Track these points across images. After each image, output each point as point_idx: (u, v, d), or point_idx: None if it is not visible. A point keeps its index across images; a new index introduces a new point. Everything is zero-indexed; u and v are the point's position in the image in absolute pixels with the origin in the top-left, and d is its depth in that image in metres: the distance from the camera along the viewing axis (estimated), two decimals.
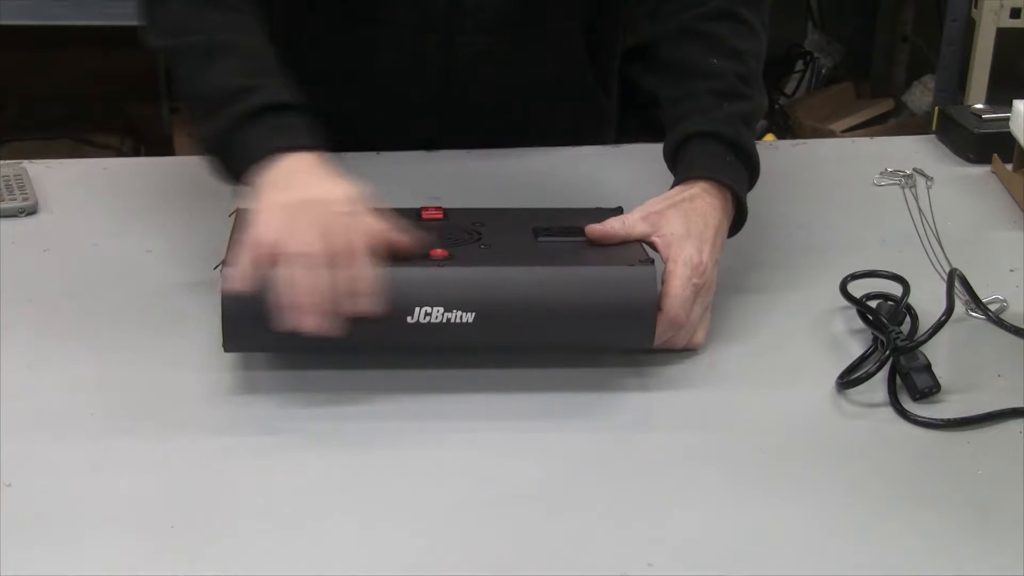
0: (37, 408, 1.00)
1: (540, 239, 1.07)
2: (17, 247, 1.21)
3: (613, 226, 1.07)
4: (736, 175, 1.13)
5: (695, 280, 1.05)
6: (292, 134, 1.05)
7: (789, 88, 3.13)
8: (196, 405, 1.01)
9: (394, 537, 0.87)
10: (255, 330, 0.99)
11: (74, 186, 1.33)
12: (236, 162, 1.05)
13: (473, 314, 0.99)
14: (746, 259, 1.20)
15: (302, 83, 1.23)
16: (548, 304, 1.00)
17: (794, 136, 2.87)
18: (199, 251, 1.16)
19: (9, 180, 1.30)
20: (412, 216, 1.11)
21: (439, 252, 1.02)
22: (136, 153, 2.79)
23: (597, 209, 1.13)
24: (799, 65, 3.13)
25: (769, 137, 2.78)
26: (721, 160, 1.13)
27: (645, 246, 1.06)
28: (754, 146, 1.15)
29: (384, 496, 0.91)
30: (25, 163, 1.36)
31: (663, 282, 1.04)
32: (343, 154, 1.09)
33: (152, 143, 2.85)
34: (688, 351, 1.07)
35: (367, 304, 0.97)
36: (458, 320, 0.99)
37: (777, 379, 1.05)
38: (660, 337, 1.04)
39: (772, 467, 0.95)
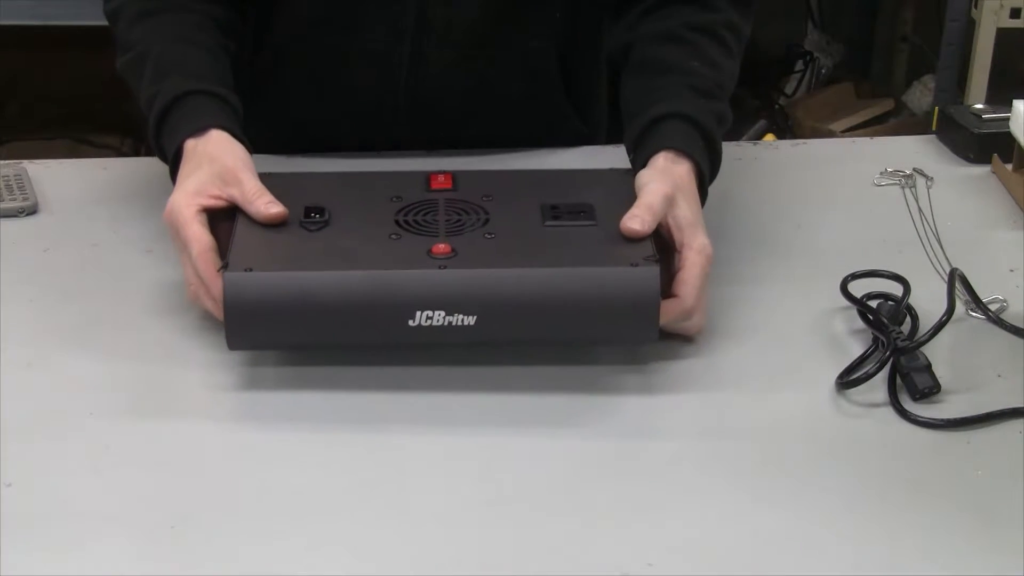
0: (37, 408, 1.00)
1: (547, 223, 1.06)
2: (17, 247, 1.21)
3: (645, 220, 1.04)
4: (706, 167, 1.13)
5: (708, 263, 1.05)
6: (184, 125, 1.10)
7: (789, 88, 3.13)
8: (196, 405, 1.01)
9: (394, 537, 0.87)
10: (258, 330, 1.00)
11: (74, 186, 1.32)
12: (168, 161, 1.13)
13: (475, 317, 0.99)
14: (746, 259, 1.20)
15: (272, 90, 1.25)
16: (549, 306, 1.00)
17: (794, 136, 2.87)
18: None
19: (9, 180, 1.30)
20: (420, 183, 1.11)
21: (442, 248, 1.02)
22: (136, 153, 2.79)
23: (609, 170, 1.12)
24: (799, 65, 3.13)
25: (769, 137, 2.78)
26: (697, 146, 1.13)
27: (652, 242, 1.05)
28: (721, 149, 1.15)
29: (384, 496, 0.91)
30: (25, 163, 1.35)
31: (679, 268, 1.04)
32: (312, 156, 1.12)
33: None
34: (686, 341, 1.06)
35: (211, 307, 1.03)
36: (460, 323, 0.99)
37: (777, 379, 1.05)
38: (670, 325, 1.04)
39: (772, 467, 0.95)
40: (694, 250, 1.04)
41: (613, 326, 1.01)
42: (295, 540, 0.87)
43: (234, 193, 1.06)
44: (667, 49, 1.20)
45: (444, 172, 1.13)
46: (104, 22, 1.25)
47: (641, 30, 1.23)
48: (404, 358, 1.05)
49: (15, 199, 1.27)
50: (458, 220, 1.07)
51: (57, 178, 1.34)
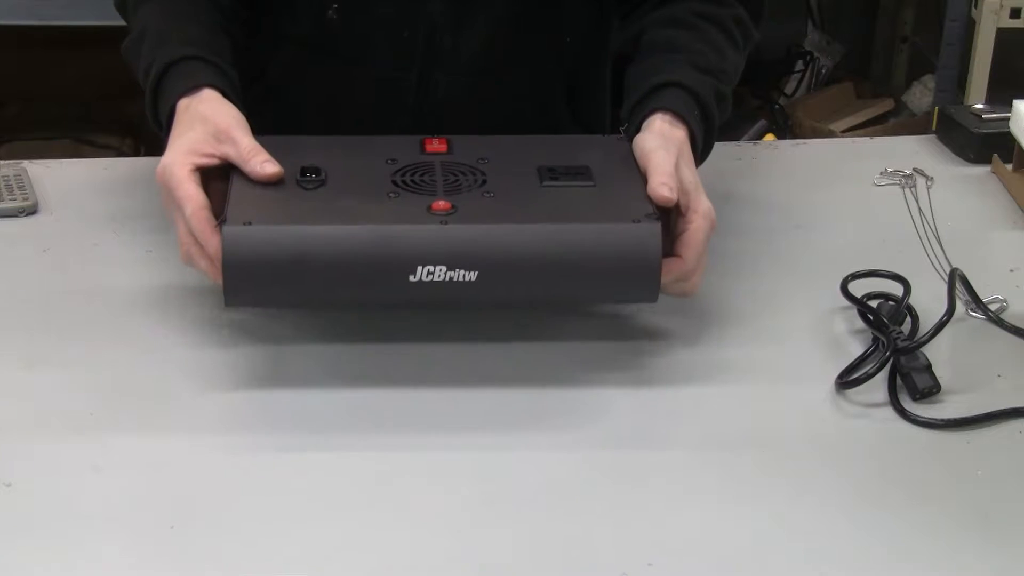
0: (37, 408, 1.00)
1: (545, 183, 1.06)
2: (17, 247, 1.21)
3: (673, 188, 1.04)
4: (700, 137, 1.13)
5: (712, 228, 1.05)
6: (179, 85, 1.09)
7: (789, 88, 3.13)
8: (196, 405, 1.01)
9: (394, 538, 0.87)
10: (257, 286, 0.99)
11: (74, 186, 1.32)
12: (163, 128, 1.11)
13: (476, 272, 0.98)
14: (746, 259, 1.20)
15: (278, 110, 1.24)
16: (551, 262, 0.99)
17: (794, 136, 2.87)
18: None
19: (9, 180, 1.30)
20: (414, 146, 1.10)
21: (442, 205, 1.01)
22: (136, 153, 2.78)
23: (603, 136, 1.12)
24: (799, 65, 3.13)
25: (769, 137, 2.78)
26: (693, 114, 1.12)
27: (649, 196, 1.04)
28: (715, 127, 1.15)
29: (383, 497, 0.91)
30: (25, 163, 1.35)
31: (683, 231, 1.04)
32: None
33: (152, 143, 2.84)
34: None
35: (206, 267, 1.02)
36: (461, 279, 0.98)
37: (777, 379, 1.05)
38: (669, 286, 1.03)
39: (772, 467, 0.95)
40: (699, 214, 1.04)
41: (614, 283, 1.00)
42: (295, 540, 0.87)
43: (228, 151, 1.05)
44: (674, 32, 1.20)
45: (439, 136, 1.12)
46: (105, 22, 1.26)
47: (651, 17, 1.23)
48: (403, 361, 1.05)
49: (15, 199, 1.27)
50: (455, 180, 1.05)
51: (57, 178, 1.34)
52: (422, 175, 1.06)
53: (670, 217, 1.05)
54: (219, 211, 1.01)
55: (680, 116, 1.11)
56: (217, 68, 1.12)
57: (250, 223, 0.98)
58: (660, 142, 1.08)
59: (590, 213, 1.02)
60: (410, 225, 0.99)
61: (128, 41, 1.18)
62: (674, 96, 1.13)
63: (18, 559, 0.84)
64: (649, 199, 1.03)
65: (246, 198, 1.02)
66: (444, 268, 0.97)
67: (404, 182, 1.05)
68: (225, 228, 0.98)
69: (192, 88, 1.09)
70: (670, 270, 1.03)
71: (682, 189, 1.05)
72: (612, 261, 0.99)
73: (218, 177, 1.05)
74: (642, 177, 1.06)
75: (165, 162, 1.04)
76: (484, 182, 1.05)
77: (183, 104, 1.08)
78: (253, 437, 0.98)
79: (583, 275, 1.00)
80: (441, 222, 0.99)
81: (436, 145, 1.11)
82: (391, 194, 1.03)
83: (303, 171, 1.05)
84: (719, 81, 1.17)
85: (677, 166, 1.06)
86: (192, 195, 1.02)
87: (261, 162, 1.04)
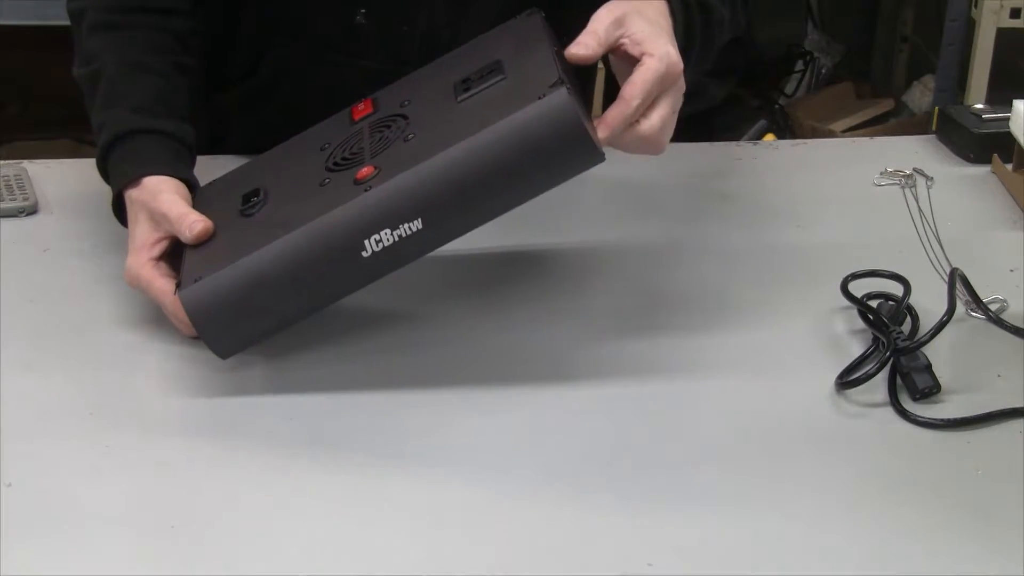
0: (37, 408, 1.00)
1: (459, 99, 1.03)
2: (17, 247, 1.21)
3: (589, 44, 1.01)
4: (680, 13, 1.09)
5: (670, 73, 1.00)
6: (123, 169, 1.12)
7: (789, 88, 3.13)
8: (196, 405, 1.00)
9: (394, 537, 0.87)
10: (233, 329, 1.00)
11: (74, 186, 1.32)
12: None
13: (419, 219, 0.96)
14: (746, 258, 1.20)
15: (270, 105, 1.23)
16: (481, 176, 0.96)
17: (794, 136, 2.87)
18: None
19: (9, 180, 1.30)
20: (345, 121, 1.10)
21: (365, 171, 0.99)
22: None
23: (512, 20, 1.09)
24: (799, 65, 3.13)
25: (769, 137, 2.78)
26: None
27: (555, 60, 1.00)
28: (696, 21, 1.11)
29: (383, 495, 0.91)
30: (25, 163, 1.36)
31: (631, 73, 1.00)
32: None
33: None
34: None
35: (186, 329, 1.04)
36: (409, 232, 0.96)
37: (777, 379, 1.05)
38: (623, 141, 1.00)
39: (772, 467, 0.95)
40: (654, 57, 1.00)
41: (549, 164, 0.97)
42: (295, 540, 0.87)
43: (168, 228, 1.07)
44: None
45: (364, 99, 1.11)
46: None
47: None
48: (402, 360, 1.05)
49: (15, 199, 1.27)
50: (382, 138, 1.04)
51: (57, 178, 1.34)
52: (352, 149, 1.05)
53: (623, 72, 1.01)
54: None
55: None
56: (165, 139, 1.14)
57: (200, 278, 0.99)
58: (609, 4, 1.04)
59: (499, 110, 0.98)
60: (339, 207, 0.97)
61: (82, 75, 1.19)
62: None
63: (18, 559, 0.84)
64: (555, 65, 0.99)
65: (197, 258, 1.03)
66: (388, 230, 0.96)
67: (336, 163, 1.04)
68: (180, 293, 0.99)
69: (133, 179, 1.10)
70: (612, 118, 0.99)
71: (632, 41, 1.01)
72: (536, 147, 0.96)
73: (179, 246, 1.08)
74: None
75: (128, 266, 1.08)
76: (406, 127, 1.03)
77: (128, 197, 1.11)
78: (253, 436, 0.97)
79: (517, 173, 0.96)
80: (366, 189, 0.97)
81: (362, 108, 1.09)
82: (325, 181, 1.03)
83: (244, 199, 1.06)
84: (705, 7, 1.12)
85: (623, 20, 1.02)
86: (164, 289, 1.05)
87: (189, 224, 1.05)
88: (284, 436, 0.97)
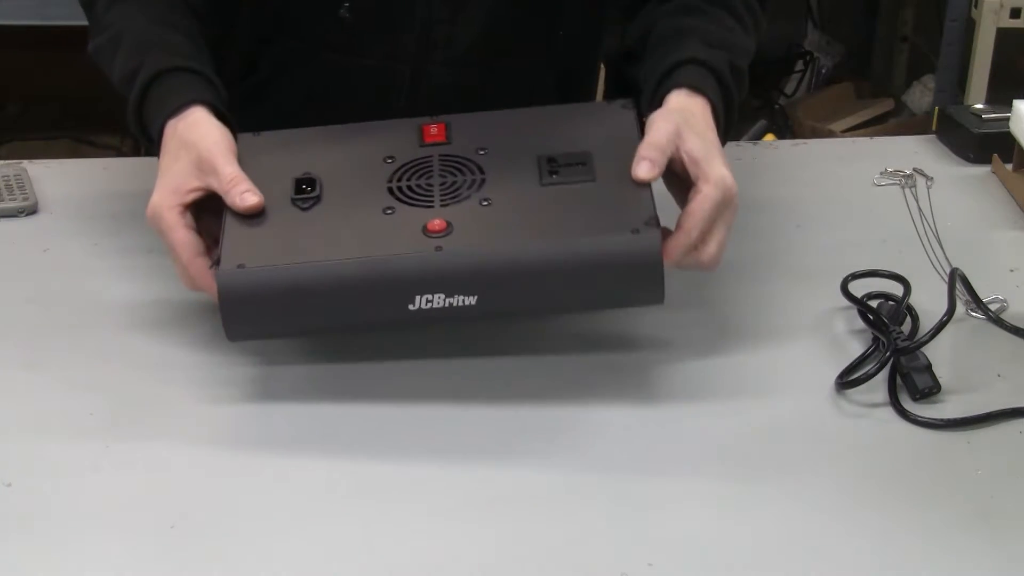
0: (37, 408, 1.00)
1: (544, 182, 1.03)
2: (17, 247, 1.22)
3: (656, 161, 1.01)
4: (720, 106, 1.10)
5: (725, 198, 1.01)
6: (168, 101, 1.07)
7: (789, 88, 3.13)
8: (196, 405, 1.01)
9: (394, 537, 0.87)
10: (255, 322, 0.99)
11: (74, 186, 1.33)
12: (152, 140, 1.10)
13: (475, 297, 0.97)
14: (746, 258, 1.20)
15: (268, 103, 1.23)
16: (551, 279, 0.98)
17: (794, 136, 2.87)
18: None
19: (9, 180, 1.30)
20: (413, 133, 1.09)
21: (437, 224, 0.99)
22: (136, 153, 2.78)
23: (608, 104, 1.10)
24: (799, 65, 3.13)
25: (769, 137, 2.78)
26: (709, 83, 1.10)
27: (653, 195, 1.01)
28: (735, 97, 1.13)
29: (384, 496, 0.91)
30: (25, 163, 1.36)
31: (689, 201, 1.01)
32: None
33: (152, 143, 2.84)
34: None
35: (190, 284, 1.02)
36: (460, 303, 0.97)
37: (777, 379, 1.05)
38: (683, 263, 1.01)
39: (772, 467, 0.95)
40: (709, 183, 1.01)
41: (616, 293, 0.99)
42: (295, 540, 0.87)
43: (212, 182, 1.03)
44: (682, 19, 1.18)
45: (437, 122, 1.10)
46: None
47: (660, 10, 1.21)
48: (401, 361, 1.05)
49: (15, 199, 1.27)
50: (454, 184, 1.04)
51: (57, 178, 1.34)
52: (419, 177, 1.05)
53: (688, 192, 1.03)
54: (214, 242, 1.01)
55: (695, 88, 1.08)
56: (206, 81, 1.10)
57: (243, 266, 0.98)
58: (662, 113, 1.05)
59: (589, 222, 1.00)
60: (405, 255, 0.98)
61: (101, 41, 1.16)
62: (687, 72, 1.10)
63: (18, 559, 0.84)
64: (651, 199, 1.00)
65: (240, 235, 1.01)
66: (443, 296, 0.97)
67: (400, 189, 1.04)
68: (219, 273, 0.98)
69: (179, 107, 1.07)
70: (674, 247, 1.00)
71: (690, 158, 1.02)
72: (612, 273, 0.98)
73: (208, 210, 1.04)
74: None
75: (153, 203, 1.03)
76: (483, 182, 1.04)
77: (170, 128, 1.07)
78: (253, 437, 0.98)
79: (582, 289, 0.98)
80: (437, 247, 0.98)
81: (434, 133, 1.09)
82: (387, 210, 1.02)
83: (298, 184, 1.05)
84: (731, 54, 1.14)
85: (678, 135, 1.03)
86: (183, 241, 1.01)
87: (241, 193, 1.02)
88: (284, 436, 0.97)
